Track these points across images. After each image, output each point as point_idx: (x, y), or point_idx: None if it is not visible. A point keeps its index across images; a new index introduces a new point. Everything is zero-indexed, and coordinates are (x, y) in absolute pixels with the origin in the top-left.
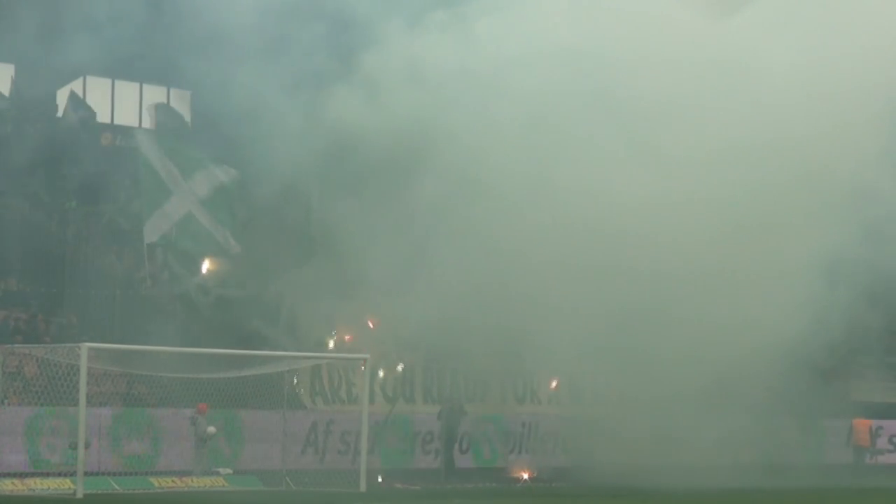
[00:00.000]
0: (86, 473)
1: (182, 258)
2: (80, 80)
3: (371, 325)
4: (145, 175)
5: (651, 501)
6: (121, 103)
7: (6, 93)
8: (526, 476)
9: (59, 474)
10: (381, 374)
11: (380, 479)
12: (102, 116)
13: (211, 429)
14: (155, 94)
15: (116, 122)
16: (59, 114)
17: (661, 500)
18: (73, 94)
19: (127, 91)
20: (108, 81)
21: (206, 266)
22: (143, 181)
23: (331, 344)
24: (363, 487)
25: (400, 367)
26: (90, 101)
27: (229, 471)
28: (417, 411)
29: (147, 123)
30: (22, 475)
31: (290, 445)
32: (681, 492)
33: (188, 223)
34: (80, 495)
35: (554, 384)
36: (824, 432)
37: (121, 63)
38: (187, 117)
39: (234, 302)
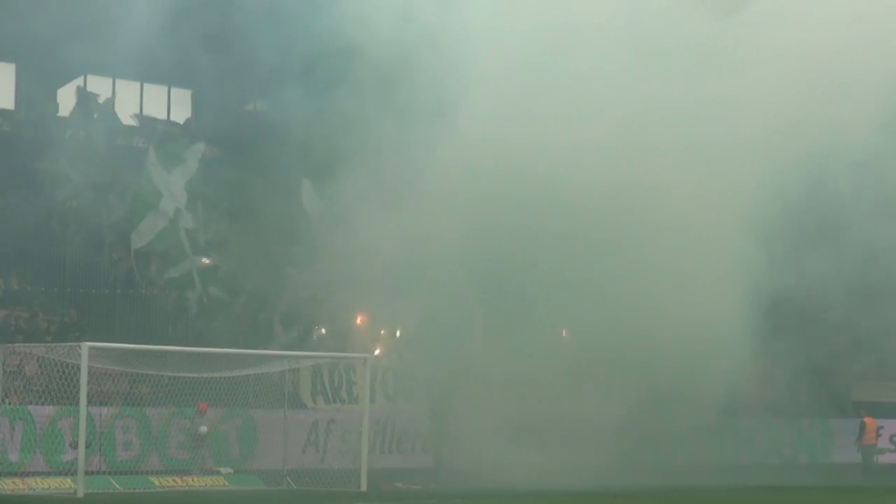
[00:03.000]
0: (87, 472)
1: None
2: (81, 78)
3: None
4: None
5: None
6: (121, 102)
7: (9, 93)
8: None
9: (60, 473)
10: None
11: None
12: None
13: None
14: (156, 92)
15: None
16: (59, 113)
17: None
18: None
19: (128, 90)
20: (108, 80)
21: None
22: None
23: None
24: (364, 487)
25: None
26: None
27: (230, 470)
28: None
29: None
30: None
31: (290, 445)
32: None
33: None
34: (80, 494)
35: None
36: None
37: (122, 62)
38: (188, 116)
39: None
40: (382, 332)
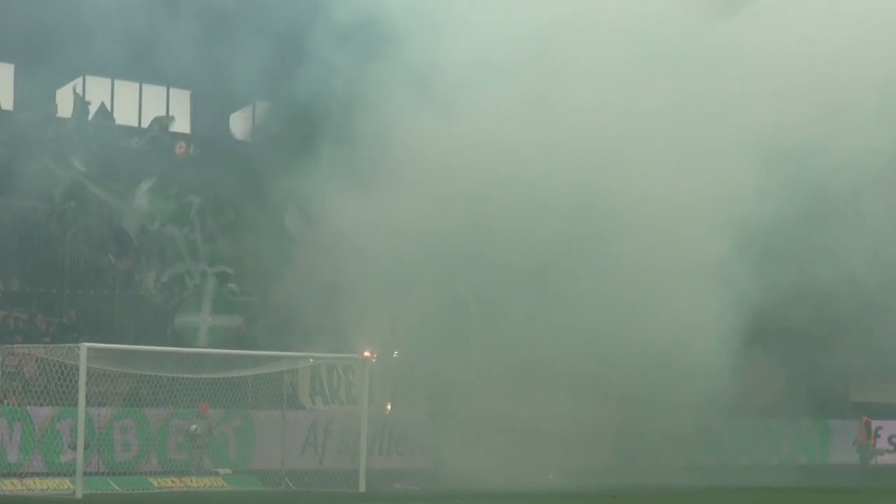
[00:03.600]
0: (84, 473)
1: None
2: (80, 79)
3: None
4: None
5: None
6: (120, 103)
7: (8, 93)
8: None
9: (59, 474)
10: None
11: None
12: None
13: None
14: (154, 93)
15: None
16: (59, 113)
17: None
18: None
19: (126, 91)
20: (107, 81)
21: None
22: None
23: None
24: (363, 488)
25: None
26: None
27: (229, 471)
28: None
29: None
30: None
31: (289, 446)
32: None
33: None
34: (79, 495)
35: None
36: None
37: (120, 62)
38: (187, 115)
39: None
40: (377, 339)
